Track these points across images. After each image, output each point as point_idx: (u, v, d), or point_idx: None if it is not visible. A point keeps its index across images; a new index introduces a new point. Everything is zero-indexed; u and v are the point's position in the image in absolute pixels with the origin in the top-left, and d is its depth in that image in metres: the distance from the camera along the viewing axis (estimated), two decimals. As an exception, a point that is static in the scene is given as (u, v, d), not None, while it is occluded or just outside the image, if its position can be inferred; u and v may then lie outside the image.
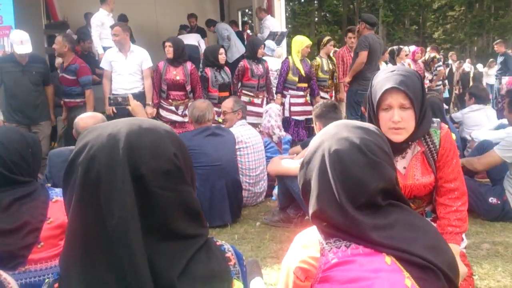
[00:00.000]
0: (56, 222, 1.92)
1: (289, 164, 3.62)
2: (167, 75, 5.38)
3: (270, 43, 7.26)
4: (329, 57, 7.05)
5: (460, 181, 2.09)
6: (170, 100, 5.51)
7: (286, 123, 6.30)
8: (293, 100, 6.39)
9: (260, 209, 4.32)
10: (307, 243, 1.18)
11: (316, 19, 29.88)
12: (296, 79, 6.27)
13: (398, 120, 1.87)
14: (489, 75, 12.76)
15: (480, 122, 5.18)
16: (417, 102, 1.88)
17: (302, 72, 6.23)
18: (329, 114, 3.55)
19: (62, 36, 5.33)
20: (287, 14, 21.75)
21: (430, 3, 28.74)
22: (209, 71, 5.70)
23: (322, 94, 6.86)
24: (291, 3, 28.23)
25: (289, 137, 5.69)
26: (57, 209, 1.95)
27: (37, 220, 1.87)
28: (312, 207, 1.17)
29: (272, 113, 5.29)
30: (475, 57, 22.37)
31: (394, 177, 1.17)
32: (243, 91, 6.20)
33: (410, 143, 2.01)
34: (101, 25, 6.26)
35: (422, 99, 1.91)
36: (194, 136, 3.95)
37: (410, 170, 2.04)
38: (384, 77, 1.91)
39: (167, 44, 5.40)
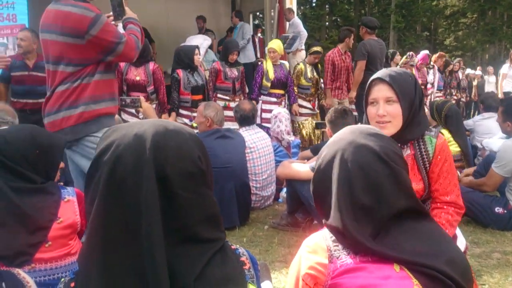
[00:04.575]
0: (66, 222, 1.92)
1: (300, 168, 3.61)
2: (128, 75, 5.16)
3: None
4: (314, 66, 6.66)
5: (456, 195, 2.01)
6: None
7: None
8: (264, 106, 6.13)
9: (268, 212, 4.31)
10: (316, 249, 1.18)
11: (327, 23, 29.85)
12: (269, 84, 6.06)
13: (383, 114, 1.90)
14: (490, 82, 12.58)
15: (491, 130, 5.13)
16: (403, 96, 1.89)
17: (270, 75, 5.99)
18: (338, 120, 3.58)
19: (31, 32, 4.69)
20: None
21: (442, 9, 28.58)
22: (181, 73, 5.39)
23: (303, 103, 6.52)
24: (302, 7, 28.22)
25: (298, 141, 5.67)
26: (68, 209, 1.95)
27: (47, 219, 1.87)
28: (334, 222, 1.14)
29: (282, 118, 5.26)
30: (486, 65, 22.19)
31: (410, 182, 1.18)
32: (218, 95, 5.97)
33: (399, 145, 1.95)
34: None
35: (412, 97, 1.92)
36: (204, 138, 3.95)
37: None
38: (375, 74, 1.99)
39: None
